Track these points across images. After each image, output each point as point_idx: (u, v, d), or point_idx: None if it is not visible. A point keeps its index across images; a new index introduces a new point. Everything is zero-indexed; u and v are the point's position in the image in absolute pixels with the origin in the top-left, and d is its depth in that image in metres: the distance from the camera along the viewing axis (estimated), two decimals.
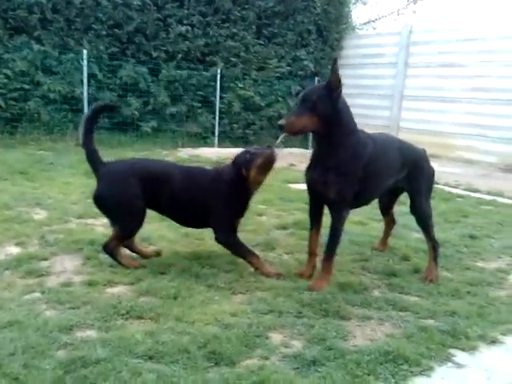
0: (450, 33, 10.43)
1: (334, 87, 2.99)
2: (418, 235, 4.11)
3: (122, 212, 3.23)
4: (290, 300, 2.86)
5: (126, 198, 3.21)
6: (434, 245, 3.51)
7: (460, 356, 2.38)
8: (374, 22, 16.82)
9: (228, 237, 3.35)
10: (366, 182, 3.13)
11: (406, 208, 3.73)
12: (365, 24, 16.25)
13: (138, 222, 3.26)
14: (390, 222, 4.09)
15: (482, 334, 2.59)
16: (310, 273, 3.30)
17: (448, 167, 9.01)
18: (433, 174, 3.62)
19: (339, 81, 2.99)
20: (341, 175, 3.04)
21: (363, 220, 4.91)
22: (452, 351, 2.42)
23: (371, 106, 11.76)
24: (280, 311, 2.70)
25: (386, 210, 4.05)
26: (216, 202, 3.32)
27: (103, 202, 3.26)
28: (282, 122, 2.96)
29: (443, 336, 2.54)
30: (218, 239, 3.37)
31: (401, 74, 11.28)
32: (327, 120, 2.97)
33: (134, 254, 3.45)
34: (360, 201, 3.32)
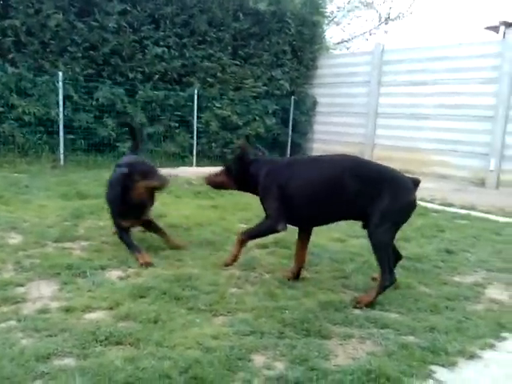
0: (421, 52, 10.72)
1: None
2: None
3: None
4: (272, 320, 2.85)
5: None
6: (383, 273, 3.22)
7: (440, 372, 2.40)
8: (347, 41, 17.21)
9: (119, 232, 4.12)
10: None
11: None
12: (338, 44, 16.61)
13: None
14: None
15: (460, 349, 2.62)
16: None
17: (423, 182, 9.13)
18: (407, 205, 3.32)
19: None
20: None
21: (342, 237, 4.95)
22: (433, 367, 2.44)
23: (346, 124, 11.95)
24: (262, 332, 2.69)
25: None
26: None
27: None
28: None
29: (424, 352, 2.56)
30: None
31: (374, 92, 11.51)
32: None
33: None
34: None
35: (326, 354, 2.50)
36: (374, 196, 3.24)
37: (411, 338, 2.75)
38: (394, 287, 3.54)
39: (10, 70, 8.60)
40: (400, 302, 3.29)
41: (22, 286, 3.20)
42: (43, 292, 3.13)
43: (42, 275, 3.41)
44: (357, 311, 3.12)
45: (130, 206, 4.00)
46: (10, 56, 8.73)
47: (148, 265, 3.70)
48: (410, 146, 10.73)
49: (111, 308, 2.90)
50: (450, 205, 7.49)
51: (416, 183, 3.41)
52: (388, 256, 3.26)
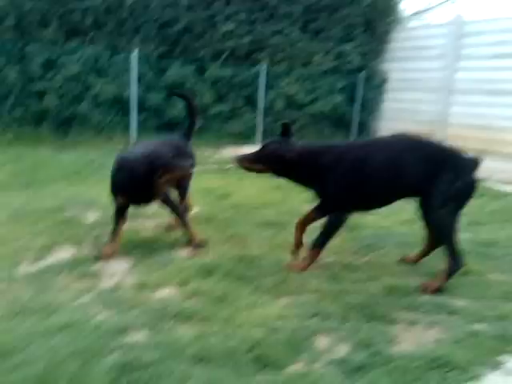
0: (504, 22, 9.99)
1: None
2: (468, 235, 4.00)
3: None
4: (335, 303, 2.87)
5: None
6: (449, 259, 3.18)
7: (511, 362, 2.32)
8: (423, 13, 16.32)
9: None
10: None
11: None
12: (413, 15, 15.80)
13: None
14: (432, 238, 3.54)
15: None
16: None
17: (500, 163, 8.68)
18: (469, 185, 3.21)
19: None
20: None
21: (411, 219, 4.82)
22: (503, 357, 2.37)
23: (418, 101, 11.46)
24: (325, 315, 2.72)
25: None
26: None
27: None
28: None
29: (493, 341, 2.49)
30: None
31: (450, 67, 10.93)
32: None
33: None
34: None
35: (391, 340, 2.50)
36: (434, 176, 3.14)
37: (480, 326, 2.67)
38: (464, 273, 3.42)
39: (88, 49, 8.91)
40: (470, 289, 3.18)
41: (98, 262, 3.41)
42: (117, 268, 3.32)
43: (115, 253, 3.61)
44: (424, 297, 3.06)
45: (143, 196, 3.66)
46: (89, 36, 9.05)
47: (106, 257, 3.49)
48: (488, 125, 10.12)
49: (180, 285, 3.04)
50: None
51: (477, 162, 3.24)
52: (453, 239, 3.17)
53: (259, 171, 3.48)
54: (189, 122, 4.36)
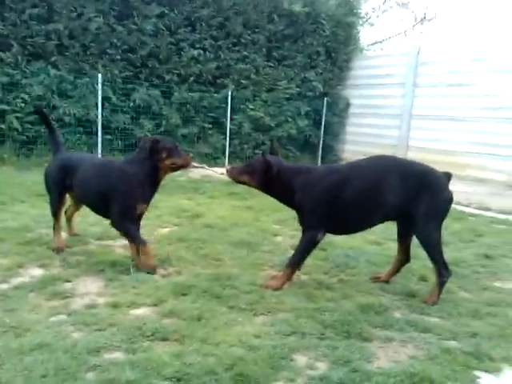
0: (458, 53, 10.52)
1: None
2: None
3: None
4: (312, 321, 2.89)
5: None
6: (439, 270, 3.36)
7: (485, 378, 2.39)
8: (381, 42, 16.99)
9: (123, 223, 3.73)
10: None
11: None
12: (372, 45, 16.41)
13: None
14: (403, 255, 3.70)
15: (505, 355, 2.60)
16: None
17: (458, 186, 9.00)
18: (448, 200, 3.40)
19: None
20: None
21: (378, 240, 4.94)
22: (477, 373, 2.42)
23: (379, 126, 11.83)
24: (303, 333, 2.73)
25: (401, 237, 3.68)
26: None
27: None
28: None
29: (467, 357, 2.55)
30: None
31: (409, 94, 11.36)
32: None
33: None
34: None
35: (368, 357, 2.52)
36: (416, 195, 3.30)
37: (453, 343, 2.74)
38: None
39: (52, 72, 8.85)
40: (440, 307, 3.27)
41: (69, 281, 3.32)
42: (90, 288, 3.24)
43: (87, 272, 3.53)
44: (397, 314, 3.12)
45: (148, 185, 3.68)
46: (53, 59, 8.98)
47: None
48: (445, 149, 10.53)
49: (155, 305, 2.99)
50: (487, 209, 7.36)
51: (450, 177, 3.49)
52: (441, 252, 3.39)
53: (246, 183, 3.65)
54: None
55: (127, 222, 3.64)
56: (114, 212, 3.64)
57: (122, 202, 3.60)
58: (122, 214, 3.62)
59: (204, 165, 4.32)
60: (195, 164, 4.04)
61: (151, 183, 3.69)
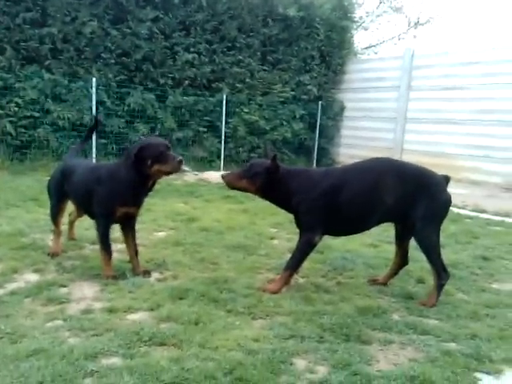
0: (452, 56, 10.58)
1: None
2: None
3: None
4: (311, 324, 2.86)
5: None
6: (438, 273, 3.35)
7: (486, 380, 2.37)
8: (375, 46, 17.08)
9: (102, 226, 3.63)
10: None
11: None
12: (366, 49, 16.50)
13: None
14: (401, 257, 3.69)
15: (505, 357, 2.58)
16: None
17: (454, 188, 9.03)
18: (447, 203, 3.40)
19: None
20: None
21: (375, 242, 4.93)
22: (477, 375, 2.41)
23: (374, 129, 11.87)
24: (302, 336, 2.70)
25: (399, 240, 3.67)
26: None
27: None
28: None
29: (467, 359, 2.54)
30: None
31: (403, 97, 11.41)
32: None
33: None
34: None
35: (368, 360, 2.50)
36: (414, 198, 3.29)
37: (453, 345, 2.72)
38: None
39: (46, 76, 8.82)
40: (439, 309, 3.26)
41: (65, 286, 3.28)
42: (86, 293, 3.20)
43: (83, 276, 3.50)
44: (395, 317, 3.10)
45: (135, 188, 3.48)
46: (47, 63, 8.95)
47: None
48: (440, 152, 10.58)
49: (152, 309, 2.95)
50: (483, 211, 7.37)
51: (448, 180, 3.49)
52: (439, 255, 3.37)
53: (244, 189, 3.55)
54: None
55: (104, 227, 3.56)
56: (95, 213, 3.61)
57: (100, 203, 3.52)
58: (101, 215, 3.56)
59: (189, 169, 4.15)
60: (185, 168, 3.89)
61: (138, 187, 3.49)
